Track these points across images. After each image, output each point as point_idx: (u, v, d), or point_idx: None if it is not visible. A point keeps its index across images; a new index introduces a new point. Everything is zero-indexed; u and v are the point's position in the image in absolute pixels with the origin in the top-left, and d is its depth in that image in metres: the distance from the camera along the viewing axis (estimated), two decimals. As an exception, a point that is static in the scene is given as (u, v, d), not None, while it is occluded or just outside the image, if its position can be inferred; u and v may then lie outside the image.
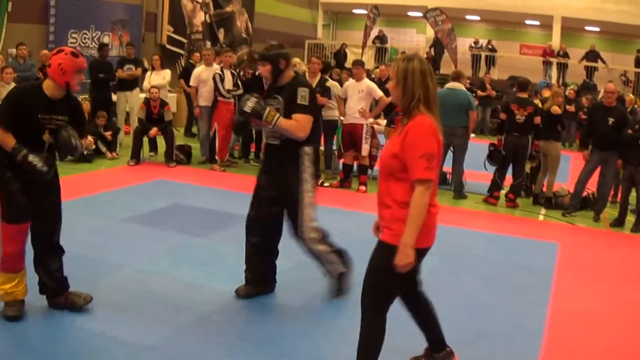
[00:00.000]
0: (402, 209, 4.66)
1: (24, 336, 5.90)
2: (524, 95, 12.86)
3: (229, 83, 14.01)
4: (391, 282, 4.83)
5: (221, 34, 26.06)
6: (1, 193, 6.13)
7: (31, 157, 5.90)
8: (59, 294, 6.50)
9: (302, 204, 7.00)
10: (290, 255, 7.67)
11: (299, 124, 6.71)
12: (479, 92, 24.82)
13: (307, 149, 7.03)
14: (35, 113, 6.00)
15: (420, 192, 4.56)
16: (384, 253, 4.79)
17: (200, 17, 24.82)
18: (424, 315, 5.54)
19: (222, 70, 14.03)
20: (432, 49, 30.93)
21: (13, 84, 12.38)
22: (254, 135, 15.17)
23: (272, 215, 7.09)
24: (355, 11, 36.70)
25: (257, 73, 14.35)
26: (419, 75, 4.71)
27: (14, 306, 6.21)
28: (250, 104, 6.61)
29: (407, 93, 4.74)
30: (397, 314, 5.20)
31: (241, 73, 14.61)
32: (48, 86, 6.09)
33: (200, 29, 24.82)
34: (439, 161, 4.72)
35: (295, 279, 7.73)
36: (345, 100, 12.97)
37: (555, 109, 12.81)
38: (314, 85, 12.53)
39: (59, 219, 6.46)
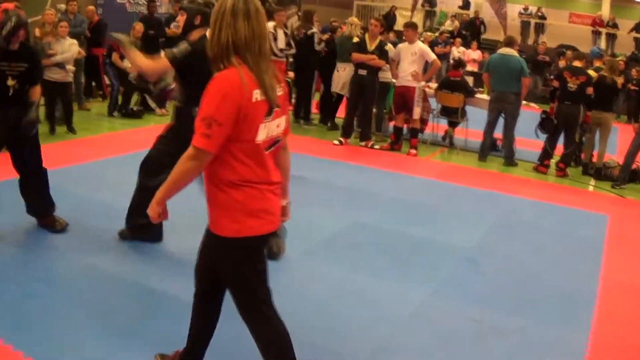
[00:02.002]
0: (219, 191, 3.82)
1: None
2: (579, 64, 12.74)
3: (281, 42, 13.97)
4: (250, 281, 4.04)
5: (269, -7, 25.96)
6: None
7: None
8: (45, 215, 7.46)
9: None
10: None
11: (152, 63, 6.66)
12: (540, 57, 24.66)
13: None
14: None
15: (184, 158, 3.70)
16: (217, 246, 3.99)
17: (247, -24, 24.71)
18: (210, 325, 4.50)
19: (275, 29, 13.99)
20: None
21: (68, 39, 12.46)
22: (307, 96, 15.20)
23: None
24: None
25: (308, 33, 14.32)
26: (230, 16, 3.74)
27: None
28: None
29: (213, 39, 3.79)
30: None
31: (295, 32, 14.63)
32: None
33: (248, -13, 24.71)
34: (251, 125, 3.70)
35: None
36: (397, 62, 12.90)
37: (620, 82, 12.70)
38: (372, 47, 12.53)
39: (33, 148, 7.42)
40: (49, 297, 5.79)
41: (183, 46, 6.48)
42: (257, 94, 3.69)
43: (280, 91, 3.91)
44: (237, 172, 3.76)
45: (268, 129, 3.82)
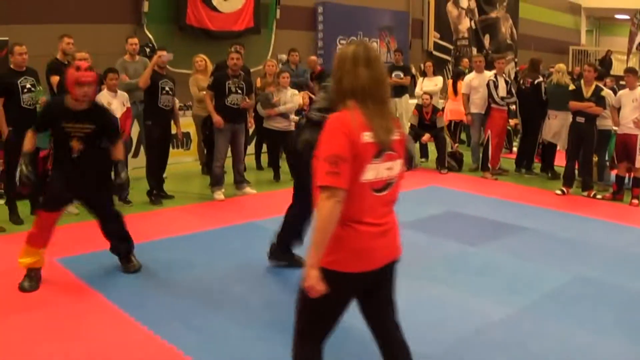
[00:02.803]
0: None
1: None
2: None
3: (502, 90, 13.91)
4: (314, 306, 4.05)
5: (486, 40, 26.06)
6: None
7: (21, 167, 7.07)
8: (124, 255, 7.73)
9: None
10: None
11: None
12: None
13: None
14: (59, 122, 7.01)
15: (322, 203, 3.77)
16: None
17: (465, 23, 24.90)
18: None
19: (496, 77, 13.99)
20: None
21: (289, 89, 12.84)
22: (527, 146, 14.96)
23: None
24: (618, 16, 35.59)
25: (535, 82, 14.19)
26: (350, 62, 3.94)
27: (32, 280, 7.14)
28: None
29: (335, 85, 4.01)
30: None
31: (521, 82, 14.55)
32: (68, 100, 7.03)
33: (465, 35, 24.92)
34: (357, 166, 3.83)
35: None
36: (618, 109, 12.59)
37: None
38: (588, 94, 12.32)
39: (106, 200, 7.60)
40: (276, 341, 5.95)
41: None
42: (366, 136, 3.82)
43: (396, 136, 4.02)
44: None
45: (376, 171, 3.93)
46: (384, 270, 4.17)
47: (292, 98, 12.82)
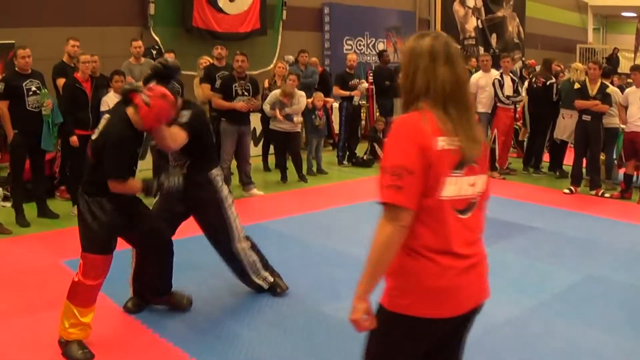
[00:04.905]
0: (395, 256, 3.16)
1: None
2: None
3: (508, 89, 13.88)
4: (380, 353, 3.37)
5: (493, 39, 25.99)
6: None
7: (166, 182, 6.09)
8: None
9: (229, 220, 6.91)
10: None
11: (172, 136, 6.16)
12: None
13: (215, 172, 6.83)
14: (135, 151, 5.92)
15: (380, 223, 3.11)
16: (377, 315, 3.26)
17: (472, 23, 24.85)
18: None
19: (501, 76, 13.95)
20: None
21: (297, 91, 12.81)
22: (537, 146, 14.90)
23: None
24: (625, 14, 35.46)
25: (547, 83, 14.11)
26: (427, 58, 3.19)
27: (85, 347, 5.67)
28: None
29: (407, 82, 3.26)
30: None
31: (533, 80, 14.49)
32: (136, 121, 5.70)
33: (472, 34, 24.89)
34: (433, 178, 3.12)
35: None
36: (626, 107, 12.51)
37: None
38: (594, 92, 12.26)
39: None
40: (280, 342, 6.02)
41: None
42: (442, 142, 3.12)
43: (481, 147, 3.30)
44: (415, 235, 3.16)
45: (458, 186, 3.21)
46: (467, 316, 3.42)
47: (298, 100, 12.80)
